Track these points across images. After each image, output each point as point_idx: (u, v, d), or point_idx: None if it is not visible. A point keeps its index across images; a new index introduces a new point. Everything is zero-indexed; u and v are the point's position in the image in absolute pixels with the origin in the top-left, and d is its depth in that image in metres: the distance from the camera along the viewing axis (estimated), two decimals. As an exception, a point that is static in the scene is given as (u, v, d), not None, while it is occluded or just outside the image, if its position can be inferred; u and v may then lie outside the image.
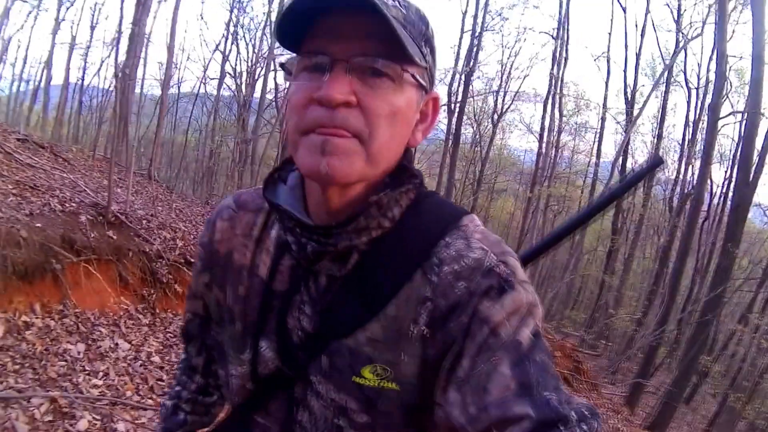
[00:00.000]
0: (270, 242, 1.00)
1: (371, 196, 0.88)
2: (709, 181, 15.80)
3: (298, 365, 0.91)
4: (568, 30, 19.70)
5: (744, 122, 11.50)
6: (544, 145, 20.29)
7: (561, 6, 19.53)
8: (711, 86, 14.27)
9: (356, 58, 0.82)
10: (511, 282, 0.84)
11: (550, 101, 19.89)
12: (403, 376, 0.86)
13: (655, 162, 1.29)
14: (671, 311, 12.62)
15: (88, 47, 18.59)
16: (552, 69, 19.73)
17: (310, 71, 0.84)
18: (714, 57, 14.98)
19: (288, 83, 0.90)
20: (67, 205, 6.21)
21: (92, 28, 18.88)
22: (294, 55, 0.87)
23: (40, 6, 15.42)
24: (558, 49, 19.50)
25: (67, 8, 17.13)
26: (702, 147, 13.47)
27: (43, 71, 15.03)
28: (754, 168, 10.32)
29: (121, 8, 17.78)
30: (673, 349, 12.56)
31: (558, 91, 19.66)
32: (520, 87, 22.07)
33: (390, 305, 0.87)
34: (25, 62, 24.40)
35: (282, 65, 0.89)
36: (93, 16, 18.37)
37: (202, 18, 24.14)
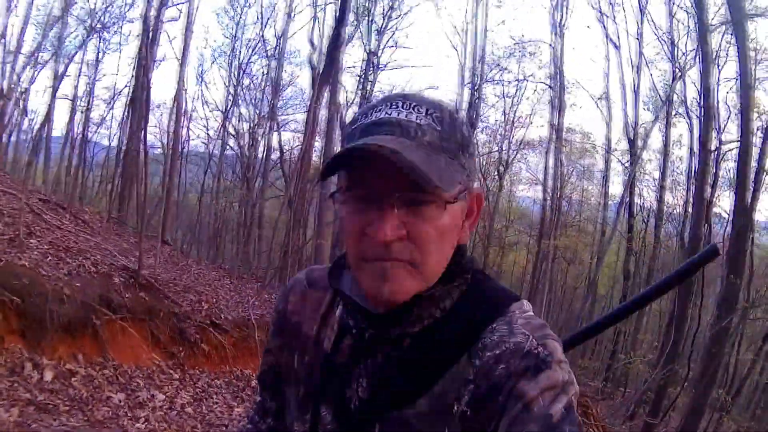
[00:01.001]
0: (334, 320, 1.13)
1: (425, 292, 1.00)
2: (713, 211, 15.85)
3: (354, 430, 1.02)
4: (562, 77, 20.33)
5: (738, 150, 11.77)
6: (549, 193, 20.81)
7: (554, 55, 20.36)
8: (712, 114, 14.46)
9: (399, 193, 0.93)
10: (548, 362, 0.91)
11: (552, 149, 20.48)
12: None
13: (710, 251, 1.31)
14: (679, 348, 12.81)
15: (90, 103, 18.91)
16: (551, 117, 20.41)
17: (358, 201, 0.97)
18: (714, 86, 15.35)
19: (336, 204, 1.03)
20: (100, 267, 6.76)
21: (92, 83, 19.06)
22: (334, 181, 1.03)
23: (38, 59, 15.90)
24: (555, 97, 20.20)
25: (66, 65, 17.53)
26: (696, 179, 13.71)
27: (43, 124, 15.44)
28: (750, 194, 10.54)
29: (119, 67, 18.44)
30: (683, 387, 12.69)
31: (557, 138, 20.19)
32: (524, 136, 22.63)
33: (437, 385, 0.96)
34: (25, 113, 24.61)
35: (332, 194, 1.02)
36: (96, 70, 18.70)
37: (202, 80, 24.67)
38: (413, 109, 0.96)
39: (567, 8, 20.21)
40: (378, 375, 1.02)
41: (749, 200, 10.34)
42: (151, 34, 15.73)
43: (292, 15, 18.73)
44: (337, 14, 13.86)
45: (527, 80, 21.37)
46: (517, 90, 21.91)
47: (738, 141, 10.73)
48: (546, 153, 21.09)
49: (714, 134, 15.36)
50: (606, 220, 21.46)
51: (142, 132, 13.39)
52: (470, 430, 0.92)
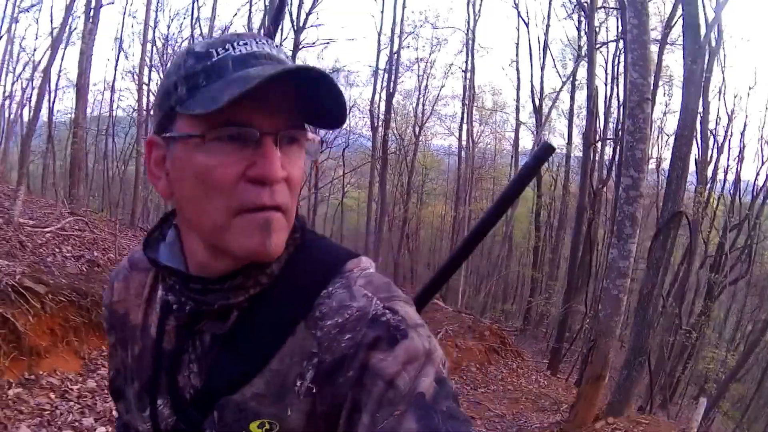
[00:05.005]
0: (157, 302, 1.06)
1: None
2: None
3: (193, 421, 0.96)
4: (473, 41, 23.50)
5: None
6: (464, 150, 23.99)
7: (469, 18, 23.40)
8: (620, 79, 17.49)
9: (285, 129, 0.88)
10: (403, 329, 0.85)
11: (466, 105, 23.68)
12: (291, 431, 0.89)
13: (544, 147, 1.16)
14: (575, 288, 16.24)
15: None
16: (465, 77, 23.56)
17: (229, 142, 0.86)
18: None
19: (180, 151, 0.90)
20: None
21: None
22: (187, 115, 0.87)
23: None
24: (467, 61, 23.34)
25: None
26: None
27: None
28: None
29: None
30: (583, 320, 15.99)
31: (470, 97, 23.38)
32: (438, 95, 25.67)
33: (273, 361, 0.91)
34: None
35: (171, 138, 0.90)
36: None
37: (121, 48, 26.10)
38: (268, 44, 0.92)
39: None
40: (208, 357, 0.96)
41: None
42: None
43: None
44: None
45: (441, 45, 24.37)
46: (431, 53, 24.95)
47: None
48: (461, 112, 24.11)
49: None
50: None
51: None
52: (319, 408, 0.88)
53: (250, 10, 20.38)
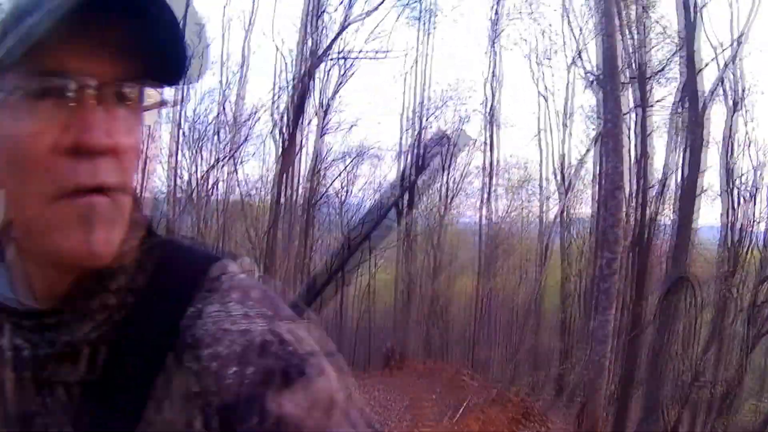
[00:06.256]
0: (6, 349, 0.77)
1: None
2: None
3: None
4: (492, 118, 25.16)
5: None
6: (485, 229, 25.58)
7: (486, 97, 25.08)
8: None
9: (110, 84, 0.68)
10: (296, 364, 0.72)
11: (485, 182, 25.36)
12: None
13: (439, 137, 1.42)
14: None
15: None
16: (484, 154, 25.25)
17: (39, 100, 0.65)
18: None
19: None
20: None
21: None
22: None
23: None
24: (486, 136, 25.09)
25: None
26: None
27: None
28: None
29: None
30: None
31: (491, 174, 25.07)
32: (465, 171, 27.12)
33: (147, 411, 0.71)
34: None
35: None
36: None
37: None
38: None
39: (499, 58, 24.86)
40: (67, 416, 0.73)
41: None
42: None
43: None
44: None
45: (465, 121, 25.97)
46: (453, 132, 26.37)
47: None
48: (481, 188, 25.56)
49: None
50: (549, 241, 25.54)
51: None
52: None
53: (273, 93, 21.32)
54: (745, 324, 19.05)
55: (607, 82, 9.34)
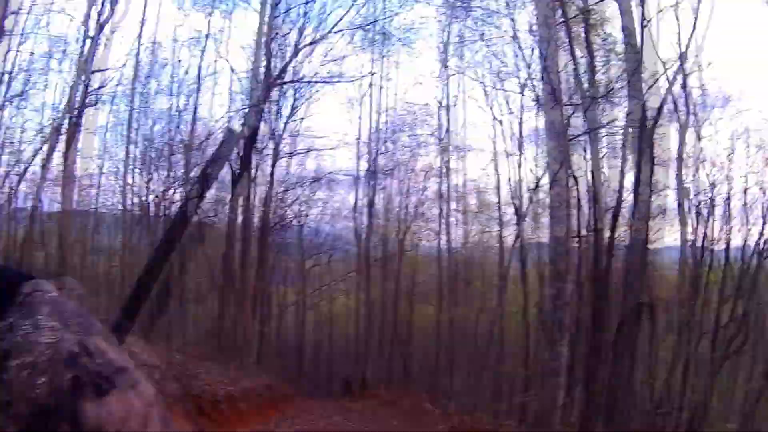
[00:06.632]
0: None
1: None
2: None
3: None
4: (448, 144, 25.12)
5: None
6: (444, 259, 25.52)
7: (441, 123, 25.09)
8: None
9: None
10: (107, 376, 0.75)
11: (442, 209, 25.27)
12: None
13: (227, 132, 1.59)
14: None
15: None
16: (440, 181, 25.18)
17: None
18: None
19: None
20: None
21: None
22: None
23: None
24: (441, 163, 25.09)
25: None
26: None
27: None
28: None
29: None
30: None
31: (446, 196, 24.93)
32: (421, 197, 27.23)
33: None
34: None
35: None
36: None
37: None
38: None
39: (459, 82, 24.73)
40: None
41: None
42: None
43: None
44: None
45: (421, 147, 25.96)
46: (410, 157, 26.39)
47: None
48: (438, 215, 25.58)
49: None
50: (507, 268, 25.55)
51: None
52: None
53: (229, 116, 21.54)
54: (710, 346, 19.23)
55: (547, 106, 9.28)
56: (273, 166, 22.85)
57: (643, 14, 13.06)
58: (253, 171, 21.24)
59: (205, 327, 20.87)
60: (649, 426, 14.68)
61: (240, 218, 20.92)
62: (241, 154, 19.33)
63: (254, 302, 21.54)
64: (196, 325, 21.19)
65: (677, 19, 18.30)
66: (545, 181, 21.47)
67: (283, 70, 20.75)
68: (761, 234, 19.66)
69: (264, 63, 20.22)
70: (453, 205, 26.16)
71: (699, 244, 20.03)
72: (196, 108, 22.43)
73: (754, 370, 22.98)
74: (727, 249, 20.76)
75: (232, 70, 21.43)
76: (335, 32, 21.12)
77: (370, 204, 23.89)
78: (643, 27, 12.16)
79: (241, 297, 20.22)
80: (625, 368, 10.87)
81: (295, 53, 20.65)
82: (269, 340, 23.36)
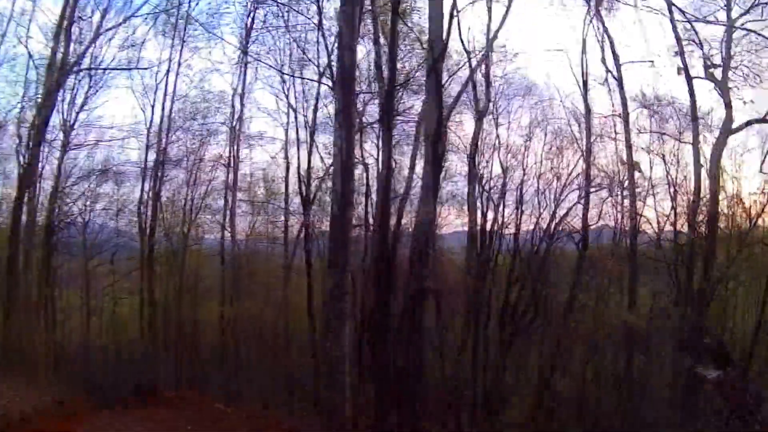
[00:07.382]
0: None
1: None
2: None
3: None
4: (239, 132, 24.76)
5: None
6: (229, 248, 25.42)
7: (234, 111, 24.67)
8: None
9: None
10: None
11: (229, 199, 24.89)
12: None
13: None
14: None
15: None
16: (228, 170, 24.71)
17: None
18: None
19: None
20: None
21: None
22: None
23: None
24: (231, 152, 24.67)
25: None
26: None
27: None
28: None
29: None
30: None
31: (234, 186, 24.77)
32: (208, 189, 26.48)
33: None
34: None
35: None
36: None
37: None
38: None
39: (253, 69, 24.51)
40: None
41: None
42: None
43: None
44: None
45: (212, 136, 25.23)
46: (200, 146, 25.49)
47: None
48: (223, 206, 25.19)
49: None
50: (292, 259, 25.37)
51: None
52: None
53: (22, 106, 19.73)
54: (498, 326, 20.38)
55: (338, 93, 9.27)
56: (61, 159, 21.23)
57: (454, 3, 13.40)
58: (40, 165, 19.95)
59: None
60: (444, 404, 15.15)
61: (25, 216, 19.47)
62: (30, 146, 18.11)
63: (38, 309, 20.22)
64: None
65: (489, 9, 19.23)
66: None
67: (82, 56, 19.75)
68: (552, 218, 21.26)
69: (62, 49, 19.07)
70: (240, 196, 25.83)
71: (488, 228, 21.31)
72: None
73: (545, 346, 24.95)
74: (517, 233, 22.18)
75: (30, 56, 19.44)
76: (138, 15, 20.65)
77: (156, 197, 22.61)
78: (452, 17, 12.41)
79: (27, 304, 18.95)
80: (413, 353, 11.10)
81: (95, 38, 19.70)
82: (57, 350, 21.39)
